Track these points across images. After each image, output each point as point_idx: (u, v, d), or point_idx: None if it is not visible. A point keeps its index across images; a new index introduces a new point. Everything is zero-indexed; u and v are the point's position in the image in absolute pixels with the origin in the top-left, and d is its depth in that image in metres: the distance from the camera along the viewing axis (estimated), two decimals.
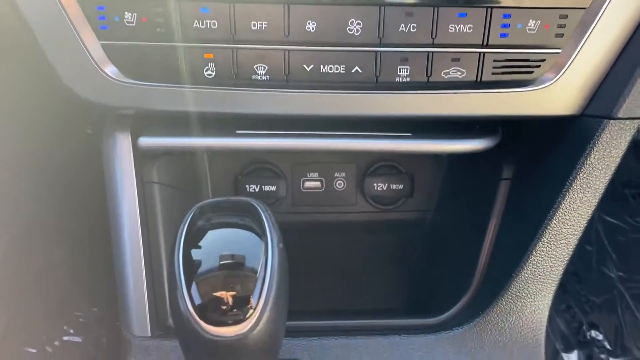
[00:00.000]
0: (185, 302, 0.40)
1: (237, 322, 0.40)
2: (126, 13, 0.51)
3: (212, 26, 0.51)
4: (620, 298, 1.45)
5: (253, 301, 0.40)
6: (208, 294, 0.40)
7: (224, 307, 0.40)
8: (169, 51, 0.52)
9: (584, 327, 1.38)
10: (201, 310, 0.40)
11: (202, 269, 0.41)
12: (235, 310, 0.40)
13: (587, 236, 1.56)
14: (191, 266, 0.41)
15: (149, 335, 0.62)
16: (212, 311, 0.40)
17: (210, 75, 0.53)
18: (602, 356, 1.33)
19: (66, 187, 0.81)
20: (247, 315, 0.40)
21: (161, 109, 0.55)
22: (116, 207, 0.60)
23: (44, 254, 0.84)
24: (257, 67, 0.53)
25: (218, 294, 0.40)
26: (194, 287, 0.40)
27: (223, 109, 0.55)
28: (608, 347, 1.34)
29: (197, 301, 0.40)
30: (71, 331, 0.95)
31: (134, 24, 0.52)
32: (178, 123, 0.59)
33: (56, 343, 0.91)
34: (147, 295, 0.62)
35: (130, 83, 0.54)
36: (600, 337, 1.36)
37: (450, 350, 0.61)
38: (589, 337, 1.37)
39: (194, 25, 0.51)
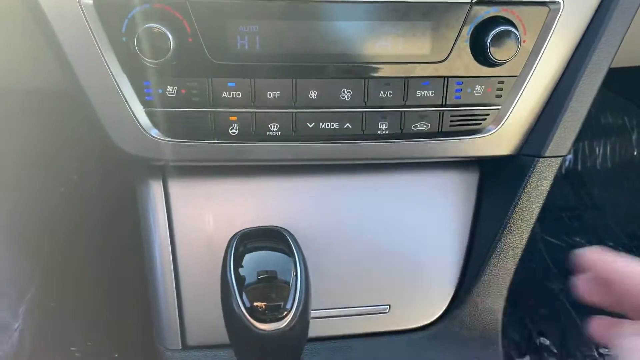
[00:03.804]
0: (239, 306, 0.53)
1: (277, 320, 0.54)
2: (168, 87, 0.65)
3: (237, 96, 0.66)
4: (563, 309, 1.64)
5: (288, 305, 0.54)
6: (254, 300, 0.54)
7: (267, 310, 0.54)
8: (202, 115, 0.67)
9: (534, 334, 1.55)
10: (251, 312, 0.53)
11: (247, 282, 0.55)
12: (275, 312, 0.54)
13: (532, 255, 1.76)
14: (239, 280, 0.55)
15: (180, 348, 0.74)
16: (258, 312, 0.54)
17: (235, 132, 0.68)
18: (551, 359, 1.50)
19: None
20: (284, 315, 0.54)
21: (194, 158, 0.69)
22: (149, 236, 0.73)
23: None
24: (271, 126, 0.68)
25: (262, 299, 0.54)
26: (243, 295, 0.54)
27: (244, 157, 0.69)
28: (555, 351, 1.52)
29: (247, 305, 0.54)
30: None
31: (174, 95, 0.66)
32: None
33: None
34: (177, 313, 0.74)
35: (170, 141, 0.68)
36: (548, 342, 1.54)
37: (424, 347, 0.76)
38: (538, 344, 1.54)
39: (223, 95, 0.66)
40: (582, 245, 1.78)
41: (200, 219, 0.75)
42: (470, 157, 0.74)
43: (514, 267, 0.77)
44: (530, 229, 0.76)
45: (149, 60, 0.61)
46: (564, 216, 1.87)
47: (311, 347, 0.67)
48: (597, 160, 2.00)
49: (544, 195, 0.75)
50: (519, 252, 0.76)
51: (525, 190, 0.73)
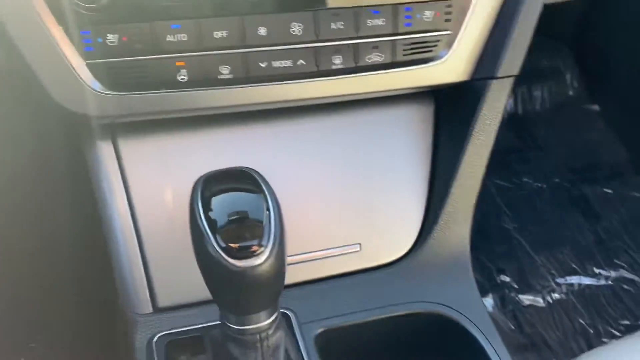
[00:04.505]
0: (215, 247, 0.51)
1: (254, 256, 0.52)
2: (108, 35, 0.61)
3: (182, 39, 0.63)
4: (519, 245, 1.69)
5: (264, 241, 0.53)
6: (229, 241, 0.52)
7: (243, 249, 0.52)
8: (147, 63, 0.63)
9: (494, 273, 1.60)
10: (227, 252, 0.52)
11: (218, 225, 0.53)
12: (250, 249, 0.52)
13: (485, 199, 1.80)
14: (211, 223, 0.53)
15: (152, 311, 0.71)
16: (234, 251, 0.52)
17: (184, 79, 0.65)
18: (512, 294, 1.56)
19: None
20: (261, 251, 0.52)
21: (143, 112, 0.66)
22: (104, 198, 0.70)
23: None
24: (221, 69, 0.65)
25: (236, 240, 0.52)
26: (217, 237, 0.52)
27: (196, 105, 0.67)
28: (515, 286, 1.57)
29: (222, 245, 0.52)
30: None
31: (115, 44, 0.62)
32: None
33: None
34: (145, 277, 0.71)
35: (115, 94, 0.64)
36: (508, 279, 1.59)
37: (398, 281, 0.76)
38: (499, 281, 1.59)
39: (167, 39, 0.63)
40: (530, 185, 1.86)
41: (157, 177, 0.72)
42: (425, 86, 0.74)
43: (477, 191, 0.78)
44: (489, 153, 0.77)
45: (84, 5, 0.57)
46: (511, 159, 1.93)
47: (286, 294, 0.66)
48: (536, 103, 2.06)
49: (500, 117, 0.76)
50: (480, 176, 0.77)
51: (482, 114, 0.74)
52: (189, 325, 0.69)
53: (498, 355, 0.70)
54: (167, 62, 0.64)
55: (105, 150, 0.71)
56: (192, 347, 0.68)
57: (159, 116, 0.68)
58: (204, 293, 0.71)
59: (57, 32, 0.60)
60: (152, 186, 0.71)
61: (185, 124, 0.71)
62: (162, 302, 0.71)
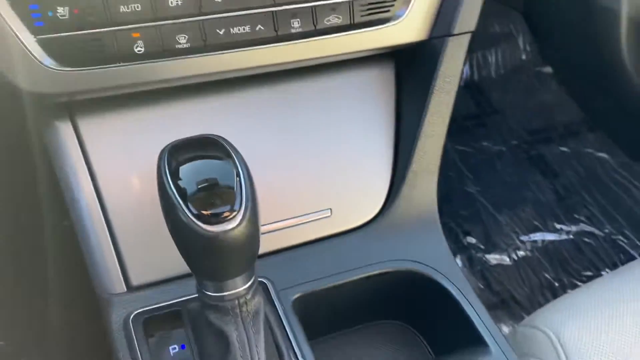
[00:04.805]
0: (187, 214, 0.51)
1: (227, 221, 0.52)
2: (58, 8, 0.59)
3: (137, 9, 0.61)
4: (483, 207, 1.73)
5: (236, 206, 0.52)
6: (201, 208, 0.52)
7: (215, 215, 0.52)
8: (102, 36, 0.61)
9: (460, 235, 1.64)
10: (199, 218, 0.51)
11: (189, 193, 0.52)
12: (223, 215, 0.52)
13: (448, 165, 1.84)
14: (181, 192, 0.52)
15: (125, 291, 0.70)
16: (207, 217, 0.51)
17: (140, 51, 0.63)
18: (479, 255, 1.60)
19: None
20: (232, 217, 0.52)
21: (101, 87, 0.64)
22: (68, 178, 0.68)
23: None
24: (179, 38, 0.64)
25: (207, 207, 0.52)
26: (188, 205, 0.51)
27: (155, 77, 0.65)
28: (482, 247, 1.61)
29: (195, 212, 0.51)
30: None
31: (67, 17, 0.60)
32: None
33: None
34: (115, 257, 0.70)
35: (70, 70, 0.62)
36: (474, 240, 1.63)
37: (370, 242, 0.77)
38: (466, 243, 1.63)
39: (121, 10, 0.61)
40: (490, 149, 1.89)
41: (120, 154, 0.70)
42: (385, 47, 0.74)
43: (441, 149, 0.79)
44: (450, 110, 0.78)
45: None
46: (469, 125, 1.97)
47: (261, 263, 0.66)
48: (491, 69, 2.10)
49: (459, 75, 0.77)
50: (443, 134, 0.79)
51: (441, 72, 0.75)
52: (165, 301, 0.69)
53: (471, 306, 0.71)
54: (123, 34, 0.62)
55: (64, 130, 0.69)
56: (170, 322, 0.68)
57: (117, 91, 0.67)
58: (177, 269, 0.72)
59: (2, 6, 0.58)
60: (116, 164, 0.70)
61: (145, 98, 0.70)
62: (136, 280, 0.71)
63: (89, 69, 0.63)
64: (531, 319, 0.89)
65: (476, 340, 0.68)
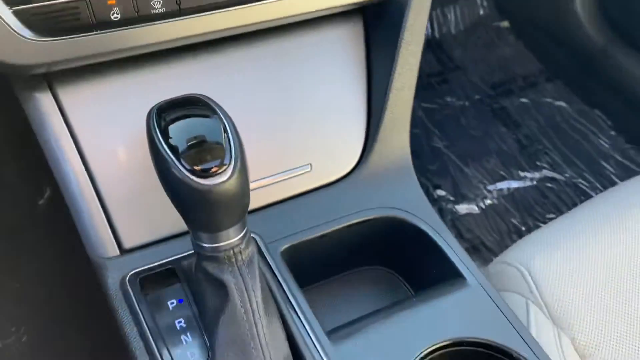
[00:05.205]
0: (181, 171, 0.53)
1: (218, 174, 0.55)
2: None
3: None
4: (450, 161, 1.79)
5: (226, 160, 0.55)
6: (193, 163, 0.54)
7: (207, 169, 0.55)
8: (78, 4, 0.62)
9: (430, 189, 1.70)
10: (192, 173, 0.54)
11: (180, 151, 0.55)
12: (214, 169, 0.55)
13: (415, 123, 1.88)
14: (173, 149, 0.55)
15: (118, 254, 0.73)
16: (199, 172, 0.54)
17: (117, 17, 0.64)
18: (449, 206, 1.66)
19: None
20: (223, 170, 0.55)
21: (78, 56, 0.65)
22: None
23: None
24: (153, 3, 0.65)
25: (199, 163, 0.55)
26: (181, 161, 0.54)
27: (132, 44, 0.67)
28: (451, 198, 1.68)
29: (188, 168, 0.54)
30: None
31: None
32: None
33: None
34: (106, 221, 0.72)
35: (48, 40, 0.63)
36: (444, 193, 1.69)
37: (349, 193, 0.81)
38: (436, 196, 1.69)
39: None
40: (454, 104, 1.94)
41: (102, 120, 0.72)
42: (351, 3, 0.76)
43: (411, 101, 0.83)
44: (418, 62, 0.82)
45: None
46: (433, 82, 2.01)
47: (247, 220, 0.69)
48: (450, 26, 2.14)
49: (424, 27, 0.80)
50: (412, 85, 0.82)
51: (408, 25, 0.78)
52: (158, 261, 0.71)
53: (448, 244, 0.76)
54: (98, 2, 0.63)
55: (44, 101, 0.70)
56: (164, 280, 0.71)
57: (95, 59, 0.68)
58: (168, 229, 0.74)
59: None
60: (99, 131, 0.71)
61: (123, 64, 0.71)
62: (128, 243, 0.73)
63: (67, 38, 0.63)
64: (502, 257, 0.95)
65: (454, 274, 0.73)
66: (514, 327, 0.69)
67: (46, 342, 1.20)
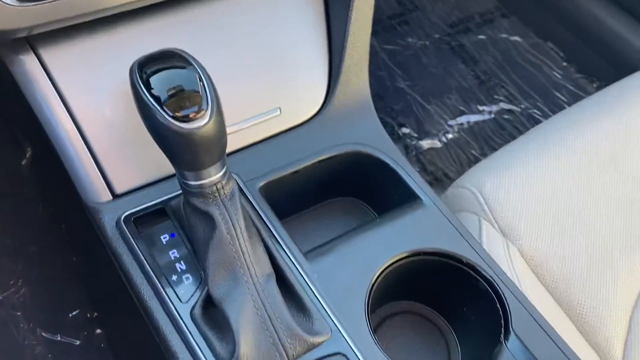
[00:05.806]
0: (164, 117, 0.61)
1: (197, 119, 0.62)
2: None
3: None
4: (413, 100, 1.88)
5: (204, 106, 0.63)
6: (174, 110, 0.62)
7: (186, 115, 0.62)
8: None
9: (395, 127, 1.79)
10: (175, 119, 0.61)
11: (162, 100, 0.62)
12: (193, 114, 0.62)
13: (378, 65, 1.95)
14: (156, 99, 0.62)
15: (112, 199, 0.80)
16: (181, 117, 0.62)
17: None
18: (413, 143, 1.76)
19: None
20: (201, 115, 0.63)
21: (58, 18, 0.70)
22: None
23: None
24: None
25: (179, 109, 0.62)
26: (164, 108, 0.61)
27: (110, 4, 0.72)
28: (415, 135, 1.77)
29: (170, 114, 0.61)
30: None
31: None
32: None
33: None
34: (97, 169, 0.79)
35: (29, 5, 0.68)
36: (408, 130, 1.79)
37: (317, 133, 0.89)
38: (401, 134, 1.78)
39: None
40: (415, 44, 2.01)
41: (86, 76, 0.78)
42: None
43: (368, 43, 0.90)
44: (372, 6, 0.88)
45: None
46: (394, 23, 2.07)
47: None
48: None
49: None
50: (368, 29, 0.89)
51: None
52: (149, 202, 0.79)
53: (406, 172, 0.86)
54: None
55: (29, 63, 0.76)
56: (155, 219, 0.79)
57: (75, 21, 0.73)
58: (155, 174, 0.82)
59: None
60: (84, 86, 0.78)
61: (102, 23, 0.77)
62: (119, 188, 0.80)
63: (47, 2, 0.69)
64: (458, 181, 1.05)
65: (411, 197, 0.83)
66: (465, 239, 0.80)
67: (45, 292, 1.29)
